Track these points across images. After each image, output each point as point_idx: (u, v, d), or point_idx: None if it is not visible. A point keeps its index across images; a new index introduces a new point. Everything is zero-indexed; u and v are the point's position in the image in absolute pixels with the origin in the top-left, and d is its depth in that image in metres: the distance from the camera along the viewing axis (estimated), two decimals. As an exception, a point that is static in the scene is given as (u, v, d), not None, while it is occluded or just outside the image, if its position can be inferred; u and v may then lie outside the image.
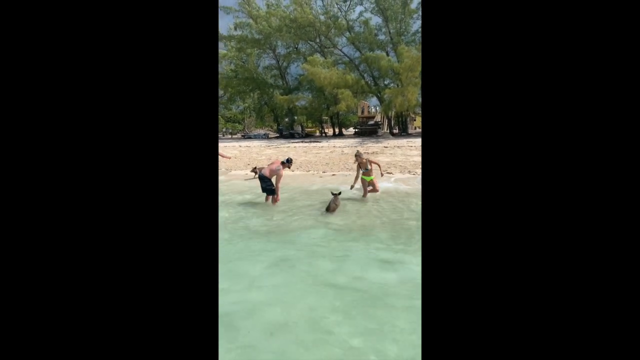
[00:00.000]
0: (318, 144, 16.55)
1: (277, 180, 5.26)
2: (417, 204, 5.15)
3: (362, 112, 24.04)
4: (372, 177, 5.76)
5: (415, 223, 4.10)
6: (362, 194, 5.86)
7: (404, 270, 2.77)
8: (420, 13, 21.10)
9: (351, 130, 27.83)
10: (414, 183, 7.08)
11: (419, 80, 17.67)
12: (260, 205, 5.26)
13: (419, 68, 17.41)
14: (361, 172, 5.74)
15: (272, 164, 5.50)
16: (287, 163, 5.38)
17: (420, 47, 17.99)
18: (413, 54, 17.21)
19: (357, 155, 5.81)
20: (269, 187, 5.28)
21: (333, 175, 8.80)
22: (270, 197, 5.34)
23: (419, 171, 8.74)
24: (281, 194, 5.52)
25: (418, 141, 14.91)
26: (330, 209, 4.78)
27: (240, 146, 17.25)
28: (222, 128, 33.53)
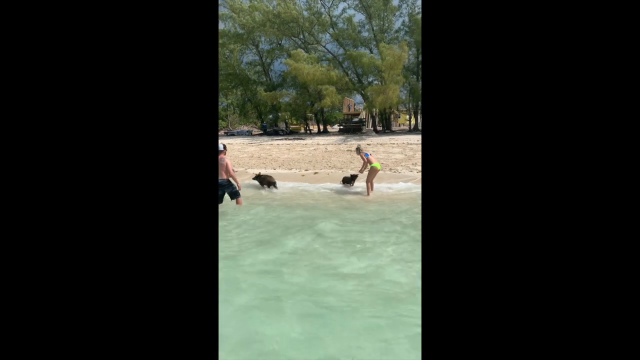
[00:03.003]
0: (302, 141, 16.48)
1: (229, 171, 4.75)
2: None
3: (349, 109, 24.04)
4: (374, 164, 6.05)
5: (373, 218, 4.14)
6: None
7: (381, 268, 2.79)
8: (402, 11, 21.27)
9: (336, 127, 27.82)
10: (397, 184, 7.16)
11: (400, 78, 17.75)
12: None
13: (400, 66, 17.50)
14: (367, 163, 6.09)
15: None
16: (223, 150, 4.85)
17: (402, 44, 18.10)
18: (394, 51, 17.28)
19: (358, 149, 6.34)
20: (234, 190, 4.89)
21: (315, 173, 8.79)
22: (235, 198, 4.96)
23: (400, 169, 8.84)
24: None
25: (401, 138, 15.07)
26: (265, 183, 6.60)
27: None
28: (205, 125, 32.51)
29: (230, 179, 4.85)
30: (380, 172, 6.58)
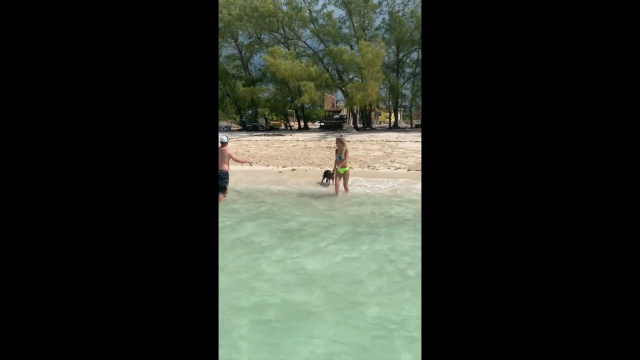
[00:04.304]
0: (281, 137, 16.26)
1: (234, 158, 5.21)
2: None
3: (333, 105, 23.94)
4: (347, 168, 5.72)
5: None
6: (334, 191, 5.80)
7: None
8: (382, 8, 21.36)
9: (317, 124, 27.66)
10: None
11: (380, 75, 17.81)
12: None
13: (379, 63, 17.54)
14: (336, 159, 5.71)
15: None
16: (225, 143, 5.17)
17: (381, 42, 18.17)
18: (373, 48, 17.30)
19: (339, 140, 5.78)
20: (224, 184, 5.12)
21: (293, 170, 8.66)
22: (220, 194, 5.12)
23: (378, 165, 8.86)
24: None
25: (380, 135, 15.17)
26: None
27: (199, 139, 16.40)
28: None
29: (237, 166, 5.32)
30: (357, 169, 6.52)
